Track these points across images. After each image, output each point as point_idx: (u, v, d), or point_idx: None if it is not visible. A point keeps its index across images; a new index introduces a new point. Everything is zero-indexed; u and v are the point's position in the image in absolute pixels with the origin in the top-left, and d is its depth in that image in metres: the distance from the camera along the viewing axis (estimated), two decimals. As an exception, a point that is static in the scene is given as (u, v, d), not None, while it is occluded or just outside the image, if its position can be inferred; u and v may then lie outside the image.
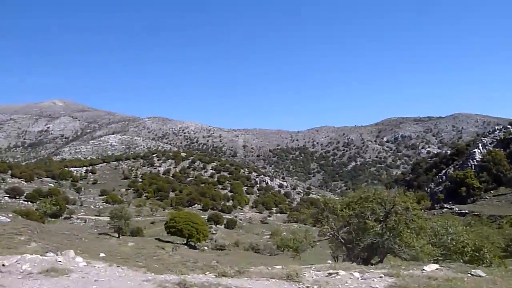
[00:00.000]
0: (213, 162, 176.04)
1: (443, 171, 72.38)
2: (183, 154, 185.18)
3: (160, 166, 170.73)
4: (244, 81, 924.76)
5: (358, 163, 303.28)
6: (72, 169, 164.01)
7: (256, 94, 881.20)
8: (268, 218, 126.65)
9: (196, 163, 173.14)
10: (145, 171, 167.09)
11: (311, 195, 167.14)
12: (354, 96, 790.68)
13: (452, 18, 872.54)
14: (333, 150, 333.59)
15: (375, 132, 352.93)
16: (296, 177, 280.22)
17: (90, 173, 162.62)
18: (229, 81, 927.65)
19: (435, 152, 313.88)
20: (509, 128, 70.34)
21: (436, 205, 58.46)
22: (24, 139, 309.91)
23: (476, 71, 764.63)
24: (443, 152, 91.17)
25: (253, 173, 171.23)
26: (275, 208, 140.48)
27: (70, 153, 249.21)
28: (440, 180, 70.09)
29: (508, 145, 65.69)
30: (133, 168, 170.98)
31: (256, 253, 61.34)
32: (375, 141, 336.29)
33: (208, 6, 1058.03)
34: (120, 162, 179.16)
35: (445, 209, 55.90)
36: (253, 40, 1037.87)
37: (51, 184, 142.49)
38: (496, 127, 76.25)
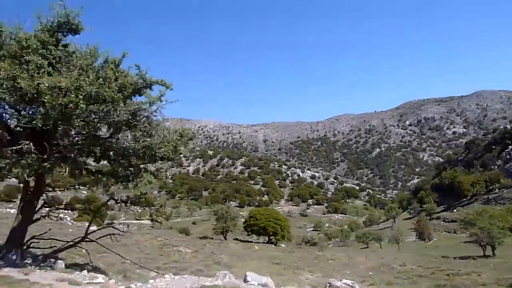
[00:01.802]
0: (242, 158, 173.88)
1: (510, 147, 68.39)
2: (211, 152, 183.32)
3: (188, 166, 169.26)
4: (259, 75, 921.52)
5: (383, 149, 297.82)
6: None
7: (272, 87, 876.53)
8: (307, 211, 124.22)
9: (224, 160, 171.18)
10: (174, 172, 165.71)
11: (344, 184, 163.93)
12: (372, 81, 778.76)
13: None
14: (355, 138, 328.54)
15: (397, 116, 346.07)
16: (320, 168, 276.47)
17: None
18: (244, 77, 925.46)
19: (461, 132, 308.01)
20: None
21: None
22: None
23: (496, 46, 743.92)
24: (504, 127, 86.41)
25: (283, 166, 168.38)
26: (311, 200, 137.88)
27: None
28: (508, 157, 66.12)
29: None
30: (161, 169, 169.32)
31: (312, 246, 58.72)
32: (397, 125, 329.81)
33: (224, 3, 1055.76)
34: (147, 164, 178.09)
35: None
36: (267, 33, 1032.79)
37: (84, 192, 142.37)
38: None
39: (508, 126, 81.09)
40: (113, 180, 10.48)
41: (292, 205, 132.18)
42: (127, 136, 9.42)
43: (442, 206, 61.42)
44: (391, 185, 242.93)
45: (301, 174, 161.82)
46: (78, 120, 7.85)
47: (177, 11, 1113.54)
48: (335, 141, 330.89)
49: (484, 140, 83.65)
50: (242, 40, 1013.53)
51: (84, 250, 12.75)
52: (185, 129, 10.81)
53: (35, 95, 7.55)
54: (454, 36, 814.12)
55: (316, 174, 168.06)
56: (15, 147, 8.19)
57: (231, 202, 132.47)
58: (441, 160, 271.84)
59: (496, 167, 66.25)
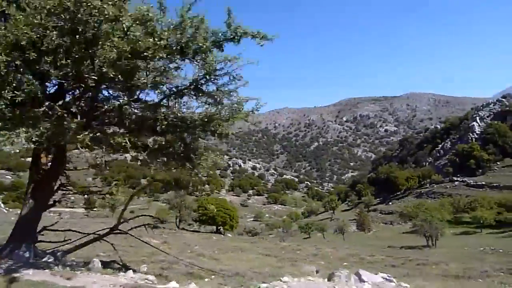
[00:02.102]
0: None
1: (439, 145, 73.86)
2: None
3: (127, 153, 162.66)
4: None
5: (321, 143, 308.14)
6: (29, 159, 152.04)
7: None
8: (248, 201, 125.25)
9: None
10: (111, 159, 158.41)
11: (284, 176, 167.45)
12: (313, 77, 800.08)
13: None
14: (295, 131, 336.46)
15: (335, 112, 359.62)
16: (260, 159, 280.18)
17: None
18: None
19: (393, 130, 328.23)
20: (503, 101, 72.74)
21: (444, 179, 59.35)
22: None
23: (426, 51, 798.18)
24: (433, 127, 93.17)
25: (225, 156, 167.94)
26: (251, 191, 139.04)
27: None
28: (438, 155, 71.41)
29: (505, 118, 67.85)
30: (97, 156, 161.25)
31: (253, 235, 59.35)
32: (335, 121, 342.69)
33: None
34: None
35: (456, 182, 56.78)
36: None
37: (8, 177, 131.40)
38: (490, 101, 78.61)
39: (438, 126, 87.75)
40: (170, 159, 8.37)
41: (233, 195, 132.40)
42: (185, 102, 7.47)
43: (378, 199, 65.00)
44: (327, 178, 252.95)
45: (242, 165, 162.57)
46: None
47: None
48: (276, 133, 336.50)
49: (416, 139, 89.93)
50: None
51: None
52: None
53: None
54: (389, 38, 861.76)
55: (257, 165, 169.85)
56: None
57: (171, 191, 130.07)
58: (373, 156, 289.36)
59: (427, 163, 71.40)
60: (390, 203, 60.25)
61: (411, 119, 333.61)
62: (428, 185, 60.60)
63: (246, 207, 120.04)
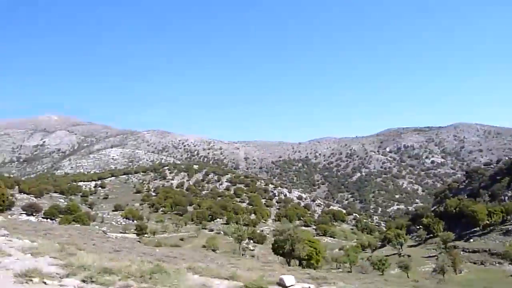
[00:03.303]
0: (228, 174, 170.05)
1: (520, 178, 68.58)
2: (196, 167, 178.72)
3: (172, 179, 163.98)
4: (242, 93, 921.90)
5: (363, 173, 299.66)
6: (80, 183, 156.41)
7: (255, 106, 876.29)
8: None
9: (210, 176, 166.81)
10: (157, 185, 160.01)
11: (331, 207, 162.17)
12: (354, 106, 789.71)
13: (446, 30, 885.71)
14: (336, 161, 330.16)
15: (377, 142, 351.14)
16: (301, 189, 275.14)
17: (99, 188, 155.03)
18: (227, 93, 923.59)
19: (439, 162, 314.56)
20: None
21: None
22: (19, 154, 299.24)
23: (473, 81, 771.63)
24: (503, 158, 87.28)
25: (270, 185, 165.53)
26: (298, 221, 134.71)
27: (71, 167, 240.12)
28: (520, 188, 66.21)
29: None
30: (144, 182, 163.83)
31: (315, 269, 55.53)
32: (377, 151, 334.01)
33: (210, 18, 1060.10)
34: (130, 175, 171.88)
35: None
36: (252, 50, 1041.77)
37: (61, 200, 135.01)
38: None
39: (506, 157, 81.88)
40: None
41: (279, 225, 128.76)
42: None
43: (453, 235, 60.05)
44: (371, 210, 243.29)
45: (287, 194, 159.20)
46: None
47: (157, 22, 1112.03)
48: (316, 163, 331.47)
49: (487, 170, 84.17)
50: (230, 58, 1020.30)
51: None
52: None
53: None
54: (432, 68, 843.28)
55: (303, 195, 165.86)
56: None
57: (218, 219, 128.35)
58: (420, 188, 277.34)
59: (506, 197, 65.99)
60: (471, 240, 55.31)
61: (459, 151, 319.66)
62: (513, 221, 55.47)
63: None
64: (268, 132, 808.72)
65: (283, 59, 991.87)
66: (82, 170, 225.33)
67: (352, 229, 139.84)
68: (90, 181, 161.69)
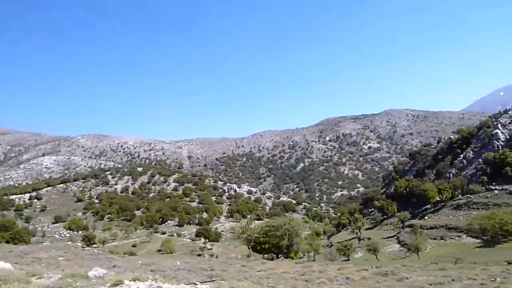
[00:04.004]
0: (174, 174, 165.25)
1: (461, 155, 72.86)
2: (140, 169, 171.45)
3: (116, 184, 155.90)
4: (182, 90, 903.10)
5: (306, 163, 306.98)
6: (12, 197, 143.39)
7: (195, 103, 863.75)
8: (250, 226, 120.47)
9: (155, 177, 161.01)
10: (100, 191, 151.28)
11: (281, 198, 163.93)
12: (293, 99, 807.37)
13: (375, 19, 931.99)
14: (279, 153, 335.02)
15: (317, 132, 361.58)
16: (247, 183, 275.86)
17: (35, 200, 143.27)
18: (165, 91, 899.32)
19: (376, 147, 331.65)
20: (522, 106, 73.23)
21: (481, 189, 57.52)
22: None
23: (402, 69, 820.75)
24: (446, 138, 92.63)
25: (219, 182, 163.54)
26: (249, 215, 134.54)
27: (0, 180, 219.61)
28: (462, 165, 70.31)
29: (529, 123, 67.88)
30: (85, 189, 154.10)
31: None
32: (318, 141, 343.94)
33: (146, 13, 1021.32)
34: (68, 184, 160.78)
35: (496, 191, 55.08)
36: (192, 47, 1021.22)
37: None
38: (508, 107, 78.87)
39: (452, 137, 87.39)
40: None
41: (233, 221, 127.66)
42: None
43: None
44: (317, 198, 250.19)
45: (237, 189, 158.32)
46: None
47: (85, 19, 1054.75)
48: (260, 156, 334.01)
49: (428, 151, 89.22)
50: (163, 54, 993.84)
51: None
52: None
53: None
54: (363, 57, 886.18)
55: (253, 189, 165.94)
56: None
57: (169, 221, 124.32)
58: (360, 173, 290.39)
59: (451, 175, 70.14)
60: (426, 217, 58.00)
61: (392, 135, 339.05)
62: (461, 196, 58.89)
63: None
64: (210, 129, 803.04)
65: (220, 54, 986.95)
66: (12, 183, 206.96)
67: (303, 218, 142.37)
68: (24, 193, 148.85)
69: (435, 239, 47.51)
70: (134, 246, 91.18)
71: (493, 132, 68.80)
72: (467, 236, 45.34)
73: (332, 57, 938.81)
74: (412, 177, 79.59)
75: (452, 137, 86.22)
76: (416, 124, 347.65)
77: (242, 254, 77.02)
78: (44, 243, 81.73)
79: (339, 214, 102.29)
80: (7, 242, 72.33)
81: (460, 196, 59.23)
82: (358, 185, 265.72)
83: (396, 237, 53.78)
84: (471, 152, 71.37)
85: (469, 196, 56.55)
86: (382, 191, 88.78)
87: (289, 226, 40.39)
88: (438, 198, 60.95)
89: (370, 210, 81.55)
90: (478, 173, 63.86)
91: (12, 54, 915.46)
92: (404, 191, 70.15)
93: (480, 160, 65.89)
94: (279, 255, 38.86)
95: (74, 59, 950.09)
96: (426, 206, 61.88)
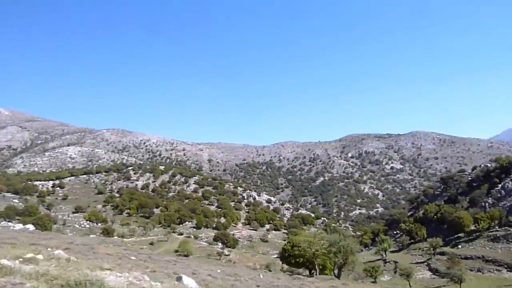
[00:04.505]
0: (195, 176, 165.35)
1: (499, 185, 69.93)
2: (162, 167, 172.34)
3: (137, 180, 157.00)
4: (207, 95, 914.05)
5: (326, 178, 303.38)
6: (36, 183, 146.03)
7: (220, 107, 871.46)
8: (267, 236, 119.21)
9: (176, 177, 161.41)
10: (121, 186, 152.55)
11: (300, 211, 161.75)
12: (317, 112, 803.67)
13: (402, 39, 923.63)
14: (299, 165, 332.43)
15: (339, 147, 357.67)
16: (265, 192, 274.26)
17: (58, 188, 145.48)
18: (191, 93, 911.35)
19: (398, 168, 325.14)
20: None
21: None
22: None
23: (430, 92, 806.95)
24: (483, 165, 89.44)
25: (239, 188, 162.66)
26: (268, 225, 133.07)
27: (25, 165, 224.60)
28: (500, 195, 67.40)
29: None
30: (106, 182, 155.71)
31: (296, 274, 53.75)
32: (340, 156, 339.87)
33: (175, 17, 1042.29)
34: (90, 175, 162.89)
35: None
36: (219, 53, 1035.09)
37: (15, 200, 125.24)
38: None
39: (489, 165, 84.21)
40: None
41: (251, 229, 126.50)
42: None
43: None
44: (334, 214, 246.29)
45: (256, 197, 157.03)
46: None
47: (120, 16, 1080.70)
48: (280, 166, 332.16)
49: (462, 177, 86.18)
50: (192, 58, 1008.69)
51: None
52: None
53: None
54: (393, 78, 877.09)
55: (272, 199, 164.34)
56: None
57: (187, 223, 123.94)
58: (380, 193, 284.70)
59: (487, 204, 67.28)
60: (459, 246, 55.43)
61: (417, 158, 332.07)
62: (498, 227, 56.07)
63: (266, 242, 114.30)
64: (232, 134, 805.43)
65: (251, 63, 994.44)
66: (36, 169, 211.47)
67: (321, 233, 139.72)
68: (47, 180, 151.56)
69: (471, 270, 45.05)
70: (151, 243, 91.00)
71: (536, 164, 65.85)
72: (507, 271, 42.91)
73: (360, 73, 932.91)
74: (443, 202, 76.73)
75: (489, 165, 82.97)
76: (442, 148, 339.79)
77: (261, 264, 75.67)
78: (70, 234, 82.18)
79: (361, 233, 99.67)
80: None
81: (497, 227, 56.48)
82: (378, 205, 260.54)
83: (426, 263, 51.42)
84: (511, 182, 68.39)
85: (508, 229, 53.78)
86: (409, 214, 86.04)
87: (345, 244, 38.56)
88: (473, 228, 58.33)
89: (395, 232, 79.00)
90: (517, 205, 61.05)
91: (45, 43, 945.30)
92: (435, 217, 67.50)
93: (521, 191, 63.06)
94: (312, 271, 37.34)
95: (106, 54, 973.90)
96: (459, 235, 59.23)
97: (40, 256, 8.68)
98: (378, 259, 62.00)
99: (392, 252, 66.14)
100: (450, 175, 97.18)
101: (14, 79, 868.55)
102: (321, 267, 35.52)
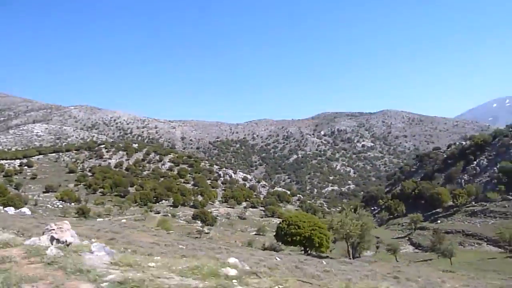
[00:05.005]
0: (170, 154, 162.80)
1: (474, 162, 72.18)
2: (135, 146, 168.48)
3: (110, 159, 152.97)
4: (179, 70, 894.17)
5: (300, 156, 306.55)
6: (1, 161, 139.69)
7: (193, 85, 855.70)
8: (245, 214, 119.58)
9: (151, 155, 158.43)
10: (93, 164, 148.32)
11: (276, 188, 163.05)
12: (291, 90, 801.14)
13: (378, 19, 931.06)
14: (273, 143, 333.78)
15: (313, 125, 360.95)
16: (239, 170, 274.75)
17: (26, 167, 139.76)
18: (162, 69, 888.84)
19: (369, 145, 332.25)
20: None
21: (498, 197, 56.86)
22: None
23: (401, 71, 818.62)
24: (457, 143, 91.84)
25: (215, 166, 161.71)
26: (245, 202, 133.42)
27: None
28: (475, 172, 69.71)
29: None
30: (77, 161, 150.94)
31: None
32: (313, 134, 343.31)
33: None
34: (60, 153, 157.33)
35: None
36: (193, 27, 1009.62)
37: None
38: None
39: (464, 143, 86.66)
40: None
41: (228, 207, 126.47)
42: None
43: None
44: (307, 191, 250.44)
45: (233, 175, 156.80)
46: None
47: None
48: (254, 144, 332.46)
49: (437, 154, 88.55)
50: (168, 31, 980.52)
51: None
52: None
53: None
54: (363, 56, 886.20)
55: (248, 176, 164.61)
56: None
57: (164, 201, 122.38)
58: (352, 170, 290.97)
59: (462, 181, 69.49)
60: (438, 221, 57.24)
61: (387, 136, 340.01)
62: (474, 203, 58.17)
63: (244, 220, 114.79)
64: (206, 112, 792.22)
65: (221, 37, 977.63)
66: (1, 147, 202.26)
67: (297, 209, 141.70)
68: (14, 159, 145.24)
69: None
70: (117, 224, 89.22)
71: (510, 142, 68.20)
72: (487, 244, 44.69)
73: (334, 53, 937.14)
74: (419, 179, 78.90)
75: (464, 142, 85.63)
76: (411, 127, 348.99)
77: (242, 241, 75.86)
78: (44, 214, 79.28)
79: (339, 209, 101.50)
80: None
81: (473, 203, 58.60)
82: (349, 182, 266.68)
83: (407, 238, 52.86)
84: (485, 160, 70.87)
85: (484, 204, 55.88)
86: (386, 191, 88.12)
87: (361, 222, 38.26)
88: (451, 203, 60.27)
89: (373, 208, 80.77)
90: (493, 181, 63.37)
91: (10, 18, 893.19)
92: (413, 193, 69.29)
93: (495, 168, 65.45)
94: (308, 249, 37.36)
95: (73, 26, 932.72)
96: (437, 210, 61.14)
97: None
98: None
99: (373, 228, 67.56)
100: (426, 152, 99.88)
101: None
102: (317, 244, 35.62)
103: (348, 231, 38.71)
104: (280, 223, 40.15)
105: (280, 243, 40.87)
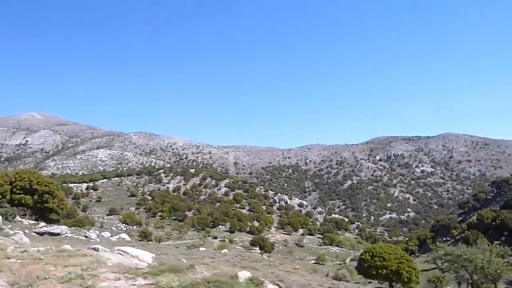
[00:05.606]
0: (226, 179, 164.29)
1: None
2: (192, 170, 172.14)
3: (168, 183, 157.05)
4: (232, 97, 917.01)
5: (354, 181, 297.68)
6: (71, 185, 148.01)
7: (245, 110, 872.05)
8: (302, 241, 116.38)
9: (207, 180, 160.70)
10: (152, 188, 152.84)
11: (332, 215, 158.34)
12: (343, 114, 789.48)
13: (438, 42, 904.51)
14: (326, 168, 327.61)
15: (367, 150, 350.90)
16: (292, 195, 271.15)
17: (91, 190, 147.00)
18: (216, 97, 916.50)
19: (429, 171, 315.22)
20: None
21: None
22: (1, 152, 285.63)
23: (463, 93, 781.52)
24: (491, 169, 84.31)
25: (270, 191, 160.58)
26: (302, 229, 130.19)
27: (57, 168, 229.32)
28: None
29: None
30: (138, 185, 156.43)
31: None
32: (367, 159, 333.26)
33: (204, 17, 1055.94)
34: (123, 178, 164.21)
35: None
36: (244, 54, 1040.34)
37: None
38: None
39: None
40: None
41: (284, 233, 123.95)
42: None
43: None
44: (364, 218, 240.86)
45: (288, 201, 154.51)
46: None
47: (144, 25, 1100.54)
48: (307, 169, 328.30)
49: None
50: (221, 62, 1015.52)
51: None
52: None
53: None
54: (421, 78, 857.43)
55: (304, 202, 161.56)
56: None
57: (220, 226, 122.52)
58: (411, 197, 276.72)
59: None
60: (528, 255, 51.74)
61: (448, 160, 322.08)
62: None
63: (301, 247, 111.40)
64: (258, 137, 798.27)
65: (274, 64, 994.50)
66: (69, 171, 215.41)
67: (356, 238, 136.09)
68: (81, 182, 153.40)
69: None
70: (188, 247, 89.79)
71: None
72: None
73: (387, 76, 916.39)
74: (499, 208, 72.55)
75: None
76: (475, 151, 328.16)
77: (306, 269, 73.16)
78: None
79: (406, 239, 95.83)
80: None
81: None
82: (409, 209, 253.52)
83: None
84: None
85: None
86: (458, 220, 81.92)
87: (494, 265, 33.16)
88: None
89: (444, 239, 75.05)
90: None
91: (75, 49, 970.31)
92: (493, 223, 63.57)
93: None
94: (393, 284, 34.59)
95: (129, 63, 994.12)
96: (523, 243, 55.32)
97: None
98: (434, 268, 58.45)
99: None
100: (504, 178, 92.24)
101: (45, 83, 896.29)
102: (406, 279, 32.73)
103: (498, 271, 31.92)
104: (362, 254, 37.67)
105: (361, 276, 38.25)
